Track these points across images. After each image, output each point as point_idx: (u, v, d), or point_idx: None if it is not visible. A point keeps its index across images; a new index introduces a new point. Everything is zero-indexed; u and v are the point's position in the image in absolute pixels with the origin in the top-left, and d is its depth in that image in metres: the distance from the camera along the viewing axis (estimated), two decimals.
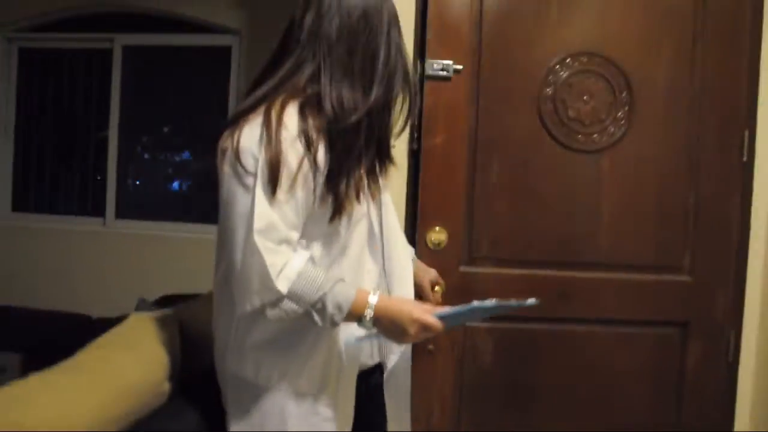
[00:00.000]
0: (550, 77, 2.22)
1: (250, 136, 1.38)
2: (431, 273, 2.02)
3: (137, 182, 4.72)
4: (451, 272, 2.20)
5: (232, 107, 4.27)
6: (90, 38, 4.55)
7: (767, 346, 2.25)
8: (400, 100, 1.52)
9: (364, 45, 1.45)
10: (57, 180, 4.75)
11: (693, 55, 2.24)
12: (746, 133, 2.25)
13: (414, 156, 2.22)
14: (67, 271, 4.38)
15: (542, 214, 2.25)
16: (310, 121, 1.39)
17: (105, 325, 4.01)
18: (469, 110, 2.21)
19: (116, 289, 4.24)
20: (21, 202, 4.71)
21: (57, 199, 4.74)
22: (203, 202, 4.58)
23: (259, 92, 1.43)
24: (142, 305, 2.81)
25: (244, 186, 1.37)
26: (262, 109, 1.39)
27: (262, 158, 1.35)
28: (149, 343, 1.59)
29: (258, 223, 1.34)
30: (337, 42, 1.43)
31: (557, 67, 2.22)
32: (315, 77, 1.43)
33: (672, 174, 2.26)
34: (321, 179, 1.40)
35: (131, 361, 1.47)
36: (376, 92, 1.44)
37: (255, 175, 1.35)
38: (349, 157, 1.42)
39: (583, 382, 2.28)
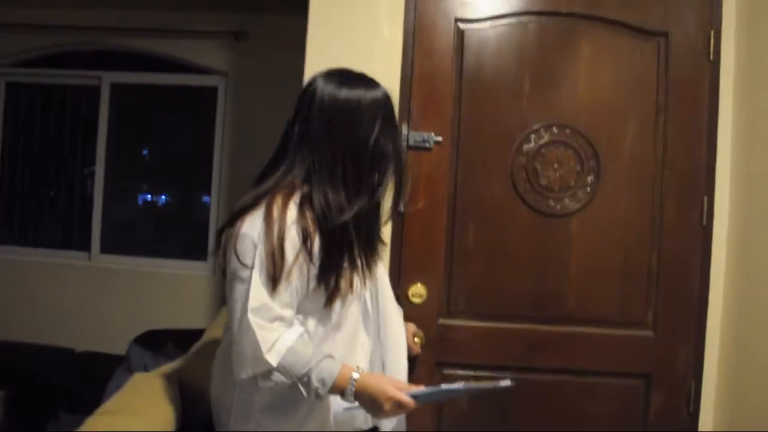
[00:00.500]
0: (523, 147, 2.37)
1: (251, 225, 1.51)
2: (411, 326, 2.16)
3: (122, 217, 4.73)
4: (431, 324, 2.34)
5: (218, 146, 4.38)
6: (78, 75, 4.60)
7: (726, 397, 2.35)
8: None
9: (351, 145, 1.56)
10: (42, 214, 4.77)
11: (656, 127, 2.37)
12: (705, 199, 2.38)
13: (399, 217, 2.33)
14: (51, 304, 4.39)
15: (515, 272, 2.38)
16: (308, 215, 1.52)
17: (88, 359, 4.06)
18: (448, 178, 2.36)
19: (100, 323, 4.30)
20: (6, 235, 4.72)
21: (42, 233, 4.75)
22: (186, 238, 4.66)
23: (262, 188, 1.56)
24: (133, 351, 2.90)
25: (243, 272, 1.50)
26: (264, 203, 1.52)
27: (261, 248, 1.48)
28: (155, 404, 1.68)
29: (252, 303, 1.47)
30: (324, 148, 1.55)
31: (530, 137, 2.36)
32: (308, 178, 1.55)
33: (636, 236, 2.38)
34: (314, 271, 1.53)
35: (140, 426, 1.56)
36: (361, 200, 1.56)
37: (253, 263, 1.48)
38: (340, 252, 1.55)
39: (553, 428, 2.39)
